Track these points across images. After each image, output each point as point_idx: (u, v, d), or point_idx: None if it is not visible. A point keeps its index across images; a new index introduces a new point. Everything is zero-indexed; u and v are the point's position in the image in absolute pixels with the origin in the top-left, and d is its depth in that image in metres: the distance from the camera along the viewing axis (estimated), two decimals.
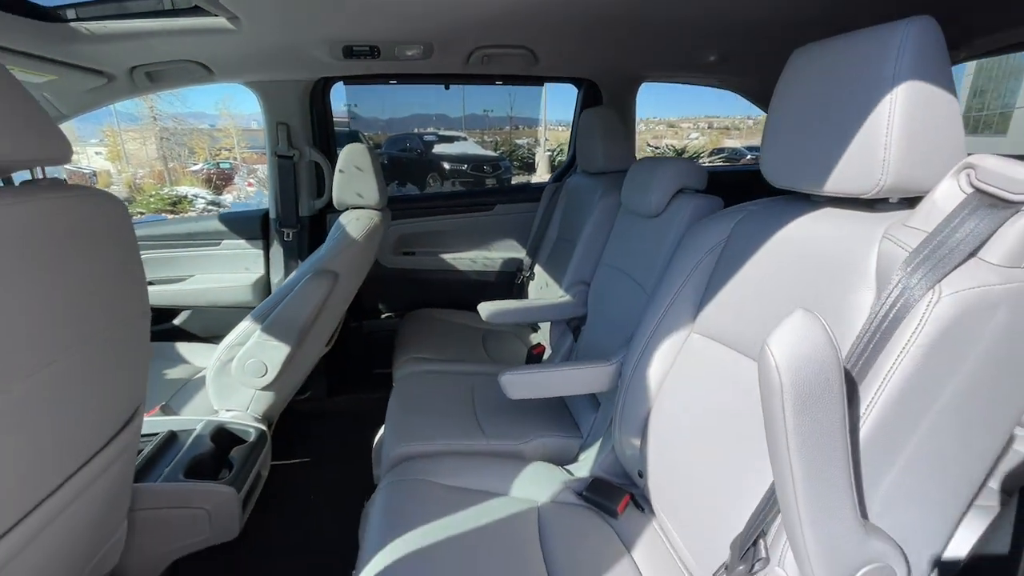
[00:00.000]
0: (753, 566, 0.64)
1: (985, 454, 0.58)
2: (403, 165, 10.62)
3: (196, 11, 1.24)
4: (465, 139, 12.00)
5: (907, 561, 0.59)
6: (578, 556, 0.92)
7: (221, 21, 1.24)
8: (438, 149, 10.80)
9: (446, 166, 10.18)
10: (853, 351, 0.59)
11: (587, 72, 2.04)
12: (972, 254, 0.54)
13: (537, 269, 2.03)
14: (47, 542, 0.78)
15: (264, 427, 1.45)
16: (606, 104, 2.06)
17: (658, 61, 1.91)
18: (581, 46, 1.69)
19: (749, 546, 0.65)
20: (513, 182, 11.23)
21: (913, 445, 0.57)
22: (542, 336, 1.87)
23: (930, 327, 0.53)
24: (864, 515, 0.58)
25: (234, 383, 1.41)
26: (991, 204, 0.54)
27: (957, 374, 0.55)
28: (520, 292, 2.12)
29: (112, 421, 0.89)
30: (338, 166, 1.57)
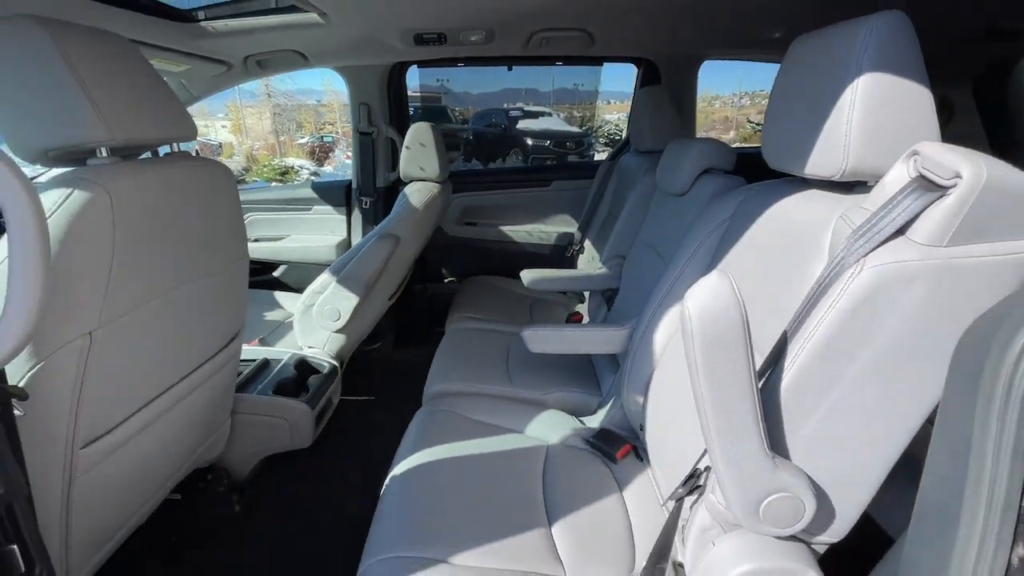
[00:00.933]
0: (692, 491, 0.75)
1: (910, 414, 0.65)
2: (487, 141, 10.84)
3: (293, 8, 1.48)
4: (551, 114, 11.96)
5: (829, 501, 0.68)
6: (573, 489, 1.06)
7: (313, 16, 1.47)
8: (522, 125, 10.89)
9: (529, 142, 10.25)
10: (796, 313, 0.67)
11: (645, 51, 2.07)
12: (899, 232, 0.60)
13: (587, 243, 2.14)
14: (172, 420, 1.07)
15: (336, 363, 1.73)
16: (665, 83, 2.08)
17: (720, 39, 1.90)
18: (638, 27, 1.74)
19: (693, 476, 0.76)
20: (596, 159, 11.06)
21: (835, 397, 0.65)
22: (586, 307, 1.99)
23: (848, 295, 0.61)
24: (787, 455, 0.67)
25: (314, 325, 1.70)
26: (926, 187, 0.60)
27: (875, 338, 0.62)
28: (570, 264, 2.24)
29: (219, 337, 1.17)
30: (405, 142, 1.78)
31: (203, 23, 1.53)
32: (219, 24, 1.54)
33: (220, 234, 1.08)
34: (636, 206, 1.65)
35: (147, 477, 1.08)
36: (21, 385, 0.72)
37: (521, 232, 2.40)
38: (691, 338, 0.59)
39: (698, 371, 0.60)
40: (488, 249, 2.44)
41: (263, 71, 1.93)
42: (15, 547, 0.66)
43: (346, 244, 2.42)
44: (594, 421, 1.31)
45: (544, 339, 1.29)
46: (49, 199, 0.73)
